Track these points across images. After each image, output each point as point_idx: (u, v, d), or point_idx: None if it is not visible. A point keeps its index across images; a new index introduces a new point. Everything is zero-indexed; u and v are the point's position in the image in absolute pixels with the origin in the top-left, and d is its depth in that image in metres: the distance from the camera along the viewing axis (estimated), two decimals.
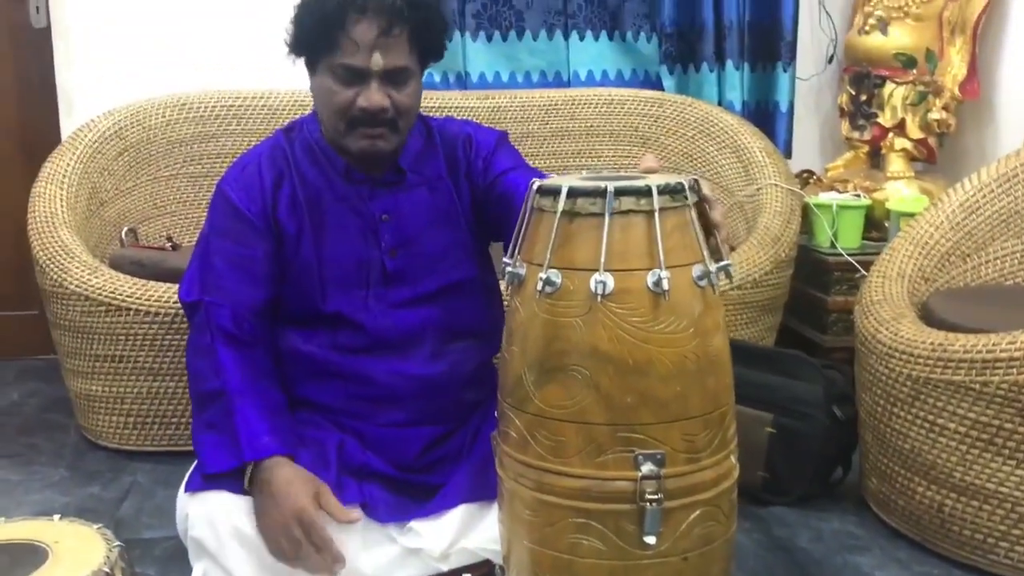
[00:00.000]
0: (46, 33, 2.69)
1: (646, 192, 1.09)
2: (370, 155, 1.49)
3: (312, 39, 1.45)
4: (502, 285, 1.54)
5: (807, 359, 1.93)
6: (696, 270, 1.11)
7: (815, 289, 2.57)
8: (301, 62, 1.52)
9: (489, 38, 2.78)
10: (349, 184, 1.54)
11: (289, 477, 1.40)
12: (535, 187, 1.13)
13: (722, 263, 1.14)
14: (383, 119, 1.45)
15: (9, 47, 2.70)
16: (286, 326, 1.58)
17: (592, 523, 1.11)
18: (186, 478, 1.50)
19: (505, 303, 1.24)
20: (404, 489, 1.54)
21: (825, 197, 2.57)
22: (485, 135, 1.62)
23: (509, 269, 1.15)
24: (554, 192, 1.10)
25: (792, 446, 1.87)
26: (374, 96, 1.43)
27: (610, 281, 1.06)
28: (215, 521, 1.42)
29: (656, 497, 1.09)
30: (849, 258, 2.44)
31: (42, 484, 1.99)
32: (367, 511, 1.48)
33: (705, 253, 1.12)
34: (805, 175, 2.83)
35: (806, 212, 2.55)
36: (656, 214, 1.08)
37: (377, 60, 1.42)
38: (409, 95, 1.48)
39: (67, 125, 2.67)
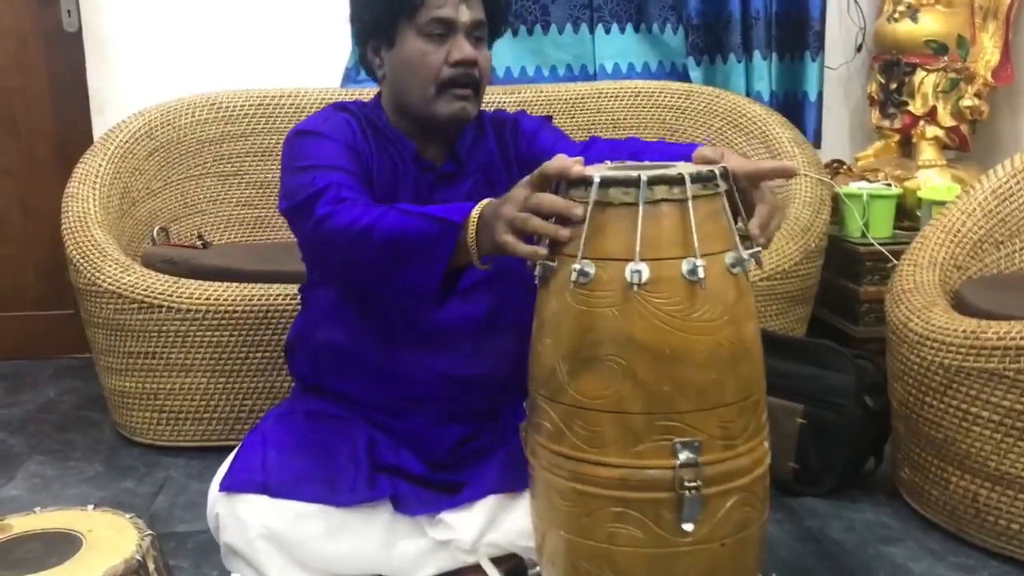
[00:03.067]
0: (77, 37, 2.72)
1: (679, 180, 1.09)
2: (460, 119, 1.51)
3: (395, 4, 1.47)
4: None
5: (838, 349, 1.92)
6: (729, 257, 1.12)
7: (846, 279, 2.54)
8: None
9: (515, 32, 2.78)
10: (418, 170, 1.56)
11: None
12: (563, 182, 1.13)
13: (753, 250, 1.15)
14: (472, 79, 1.49)
15: (42, 51, 2.74)
16: (322, 317, 1.59)
17: (630, 512, 1.11)
18: (219, 473, 1.51)
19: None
20: (434, 485, 1.54)
21: (855, 186, 2.54)
22: (529, 119, 1.66)
23: (540, 260, 1.15)
24: (585, 183, 1.10)
25: (823, 437, 1.86)
26: (466, 47, 1.47)
27: (645, 270, 1.07)
28: (245, 523, 1.43)
29: (694, 484, 1.10)
30: (880, 247, 2.41)
31: (78, 479, 2.02)
32: (397, 504, 1.48)
33: (737, 240, 1.13)
34: (835, 165, 2.81)
35: (836, 202, 2.53)
36: (689, 202, 1.09)
37: (464, 12, 1.47)
38: (487, 57, 1.54)
39: (99, 126, 2.71)
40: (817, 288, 2.43)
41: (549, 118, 1.68)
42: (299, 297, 1.69)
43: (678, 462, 1.10)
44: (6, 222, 2.82)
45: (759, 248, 1.17)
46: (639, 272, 1.06)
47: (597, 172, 1.11)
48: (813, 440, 1.86)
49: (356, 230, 1.30)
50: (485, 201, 1.24)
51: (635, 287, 1.07)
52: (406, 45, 1.49)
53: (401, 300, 1.49)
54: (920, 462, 1.74)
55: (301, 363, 1.65)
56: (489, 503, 1.49)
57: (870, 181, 2.61)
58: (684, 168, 1.13)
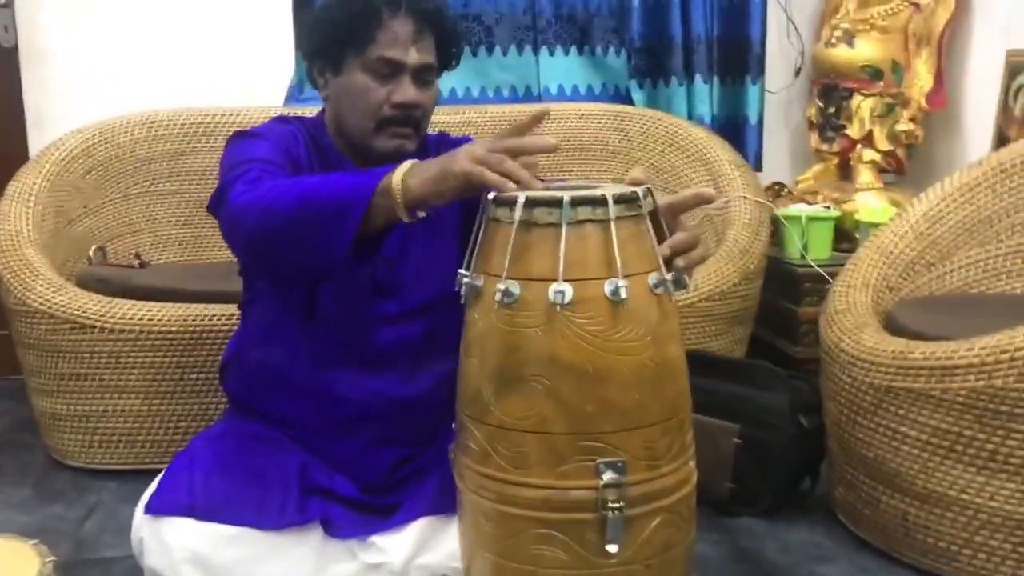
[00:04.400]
0: (13, 52, 2.68)
1: (602, 202, 1.09)
2: (397, 156, 1.48)
3: (345, 34, 1.45)
4: None
5: (773, 369, 1.94)
6: (652, 278, 1.12)
7: (786, 300, 2.57)
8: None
9: None
10: None
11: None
12: (491, 198, 1.13)
13: (676, 270, 1.15)
14: (413, 118, 1.48)
15: None
16: (258, 336, 1.57)
17: (554, 533, 1.10)
18: (144, 497, 1.48)
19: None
20: (367, 508, 1.52)
21: (795, 209, 2.58)
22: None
23: (466, 280, 1.14)
24: (510, 203, 1.10)
25: (759, 457, 1.87)
26: (410, 91, 1.45)
27: (568, 291, 1.06)
28: (170, 547, 1.39)
29: (618, 505, 1.09)
30: (819, 269, 2.45)
31: (4, 504, 1.97)
32: (328, 527, 1.46)
33: (660, 261, 1.13)
34: (776, 187, 2.85)
35: (776, 224, 2.57)
36: (612, 223, 1.09)
37: (413, 55, 1.45)
38: (432, 96, 1.52)
39: (36, 143, 2.66)
40: (757, 309, 2.45)
41: None
42: (237, 316, 1.67)
43: (601, 483, 1.09)
44: None
45: (682, 269, 1.18)
46: (562, 292, 1.06)
47: (522, 193, 1.11)
48: (749, 460, 1.88)
49: (267, 198, 1.28)
50: (412, 161, 1.22)
51: (558, 307, 1.07)
52: (351, 77, 1.48)
53: (311, 273, 1.44)
54: (853, 482, 1.76)
55: (235, 383, 1.63)
56: (421, 525, 1.48)
57: (809, 203, 2.65)
58: (608, 189, 1.13)
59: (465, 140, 1.68)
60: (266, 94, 2.68)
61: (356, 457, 1.54)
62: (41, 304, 2.03)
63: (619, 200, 1.10)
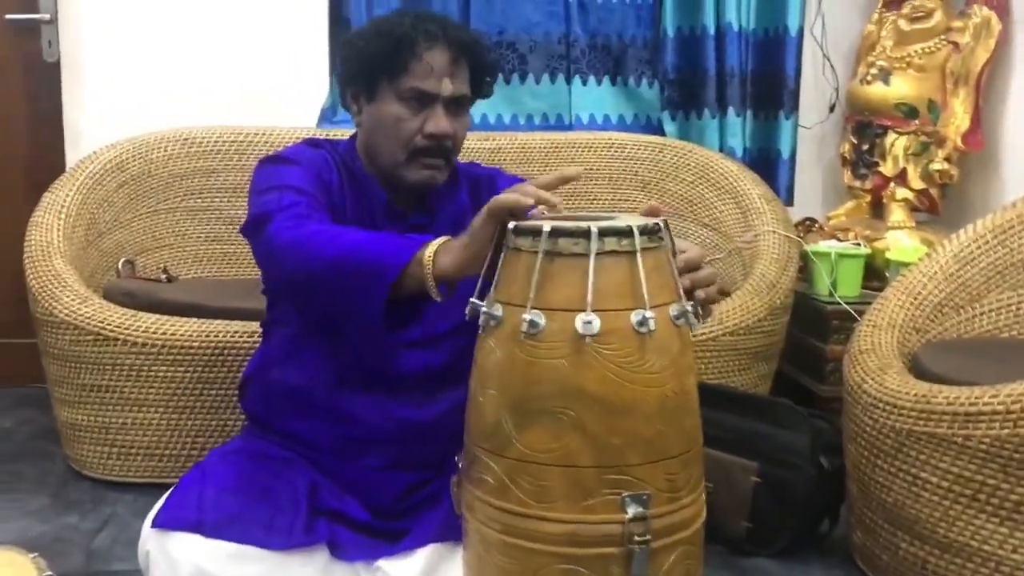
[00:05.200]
0: (56, 67, 2.73)
1: (628, 232, 1.09)
2: (428, 187, 1.50)
3: (380, 63, 1.46)
4: None
5: (794, 408, 1.91)
6: (674, 309, 1.11)
7: (813, 337, 2.54)
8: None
9: None
10: (388, 219, 1.53)
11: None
12: (512, 227, 1.11)
13: (696, 302, 1.15)
14: (444, 148, 1.48)
15: (21, 81, 2.75)
16: (279, 356, 1.57)
17: (579, 569, 1.08)
18: (153, 511, 1.48)
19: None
20: (376, 532, 1.51)
21: (825, 245, 2.55)
22: (505, 178, 1.64)
23: (484, 310, 1.13)
24: (534, 232, 1.09)
25: (777, 496, 1.84)
26: (442, 122, 1.45)
27: (597, 322, 1.05)
28: (176, 562, 1.39)
29: (644, 539, 1.08)
30: (847, 307, 2.41)
31: (22, 512, 1.98)
32: (334, 550, 1.45)
33: (681, 292, 1.13)
34: (807, 223, 2.82)
35: (806, 260, 2.54)
36: (638, 254, 1.08)
37: (447, 86, 1.45)
38: (464, 126, 1.52)
39: (73, 157, 2.70)
40: (783, 345, 2.42)
41: (523, 180, 1.67)
42: (259, 333, 1.67)
43: (627, 516, 1.08)
44: None
45: (703, 300, 1.17)
46: (591, 323, 1.05)
47: (547, 222, 1.10)
48: (767, 499, 1.84)
49: (307, 244, 1.29)
50: (445, 237, 1.23)
51: (588, 339, 1.05)
52: (384, 105, 1.48)
53: (349, 332, 1.43)
54: (872, 526, 1.72)
55: (252, 400, 1.63)
56: (429, 552, 1.46)
57: (840, 240, 2.61)
58: (631, 220, 1.13)
59: (494, 171, 1.69)
60: (299, 114, 2.71)
61: (368, 479, 1.53)
62: (67, 315, 2.05)
63: (643, 231, 1.10)
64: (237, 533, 1.41)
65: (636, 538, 1.07)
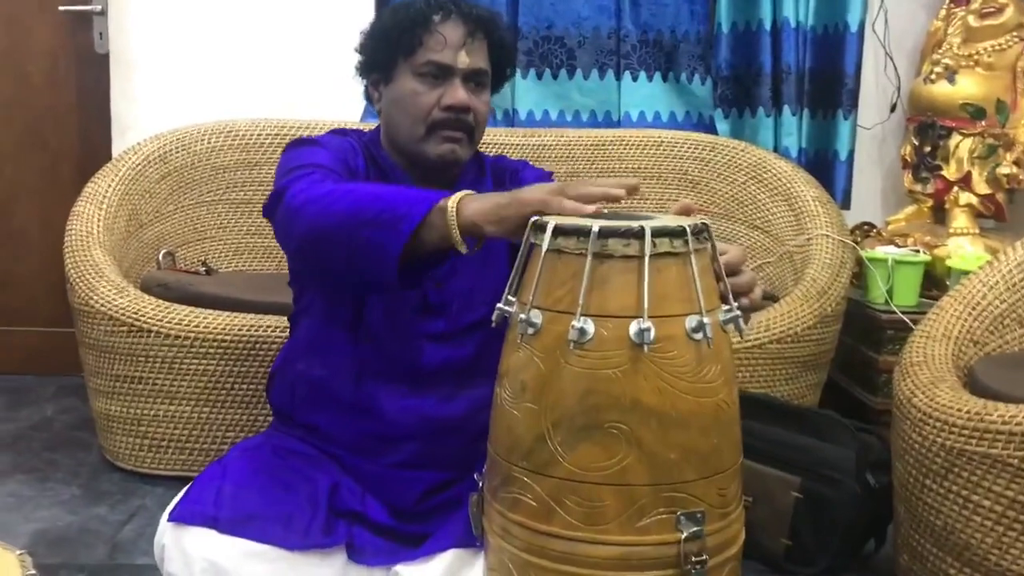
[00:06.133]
0: (107, 59, 2.75)
1: (681, 233, 1.03)
2: (449, 162, 1.47)
3: (394, 39, 1.45)
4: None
5: (840, 420, 1.82)
6: (722, 314, 1.06)
7: (866, 347, 2.43)
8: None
9: (539, 75, 2.74)
10: None
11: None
12: (552, 226, 1.03)
13: (742, 307, 1.10)
14: (464, 123, 1.45)
15: (73, 72, 2.78)
16: (304, 348, 1.54)
17: None
18: (171, 504, 1.46)
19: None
20: (396, 535, 1.47)
21: (881, 251, 2.44)
22: (531, 171, 1.61)
23: (522, 317, 1.04)
24: (580, 233, 1.02)
25: (819, 513, 1.75)
26: (460, 93, 1.43)
27: (653, 328, 0.99)
28: (190, 557, 1.37)
29: (701, 559, 1.02)
30: (903, 316, 2.30)
31: (52, 501, 1.99)
32: (352, 553, 1.41)
33: (729, 295, 1.07)
34: (864, 228, 2.71)
35: (862, 266, 2.44)
36: (692, 255, 1.03)
37: (463, 58, 1.43)
38: (485, 103, 1.49)
39: (119, 148, 2.72)
40: (834, 354, 2.32)
41: (550, 175, 1.63)
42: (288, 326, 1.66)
43: (683, 535, 1.02)
44: (25, 239, 2.85)
45: (745, 306, 1.12)
46: (648, 331, 0.98)
47: (594, 222, 1.02)
48: (808, 516, 1.76)
49: (323, 200, 1.26)
50: (469, 191, 1.19)
51: (646, 347, 0.99)
52: (401, 83, 1.47)
53: (359, 286, 1.40)
54: (919, 550, 1.63)
55: (278, 393, 1.61)
56: (449, 557, 1.41)
57: (898, 246, 2.50)
58: (678, 220, 1.07)
59: (520, 163, 1.65)
60: (342, 109, 2.68)
61: (389, 477, 1.49)
62: (102, 305, 2.05)
63: (694, 232, 1.04)
64: (253, 531, 1.38)
65: (693, 558, 1.02)
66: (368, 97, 1.59)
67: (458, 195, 1.17)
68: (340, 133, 1.58)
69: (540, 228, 1.05)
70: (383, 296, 1.47)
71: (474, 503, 1.16)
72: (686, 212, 1.20)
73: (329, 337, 1.51)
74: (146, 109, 2.73)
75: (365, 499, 1.48)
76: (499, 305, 1.10)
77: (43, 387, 2.76)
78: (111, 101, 2.73)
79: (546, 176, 1.62)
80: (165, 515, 1.44)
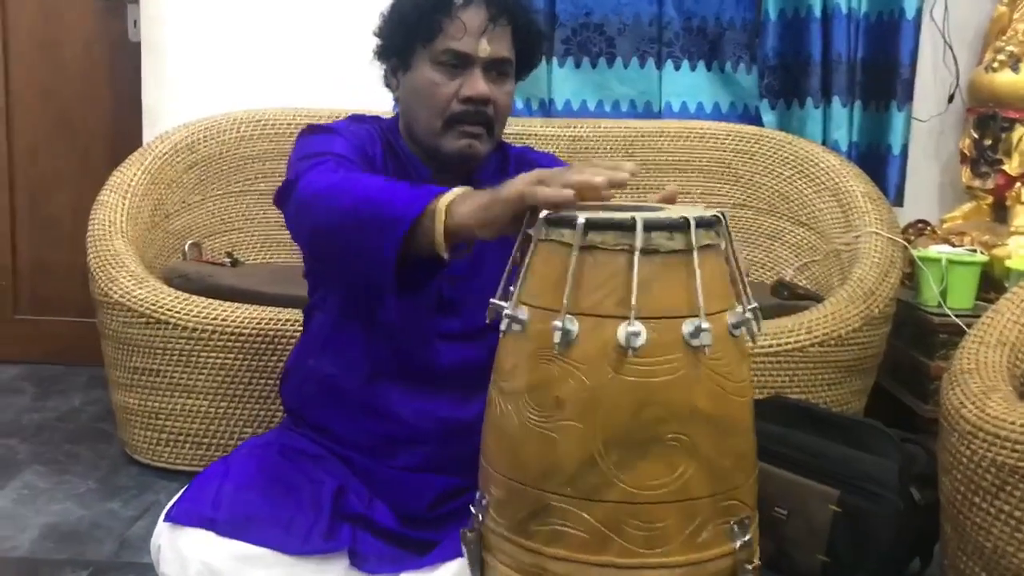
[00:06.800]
0: (138, 48, 2.73)
1: (717, 222, 0.96)
2: (466, 157, 1.41)
3: (413, 25, 1.39)
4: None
5: (883, 430, 1.70)
6: (744, 310, 0.98)
7: (917, 352, 2.30)
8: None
9: (577, 64, 2.65)
10: None
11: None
12: (582, 221, 0.92)
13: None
14: (483, 117, 1.39)
15: (106, 60, 2.77)
16: (316, 344, 1.50)
17: None
18: (169, 505, 1.41)
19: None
20: (403, 542, 1.41)
21: (935, 250, 2.31)
22: (556, 164, 1.53)
23: (557, 323, 0.92)
24: (621, 227, 0.92)
25: (859, 528, 1.64)
26: (479, 84, 1.37)
27: (710, 327, 0.91)
28: (185, 559, 1.32)
29: (752, 565, 0.97)
30: (957, 320, 2.16)
31: (67, 495, 1.96)
32: (354, 559, 1.36)
33: (747, 290, 1.00)
34: (919, 225, 2.57)
35: (914, 266, 2.31)
36: (731, 247, 0.97)
37: (484, 47, 1.37)
38: (508, 93, 1.43)
39: (149, 137, 2.69)
40: (881, 359, 2.20)
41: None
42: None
43: (736, 545, 0.96)
44: (58, 228, 2.85)
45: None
46: (706, 331, 0.90)
47: (639, 216, 0.92)
48: (847, 531, 1.64)
49: (338, 188, 1.22)
50: (465, 188, 1.12)
51: (705, 349, 0.91)
52: (419, 72, 1.41)
53: (362, 284, 1.34)
54: (967, 572, 1.50)
55: (290, 390, 1.57)
56: (456, 567, 1.35)
57: (954, 245, 2.37)
58: (684, 211, 0.99)
59: (546, 157, 1.57)
60: (375, 98, 2.61)
61: (401, 481, 1.44)
62: (121, 296, 2.01)
63: (711, 223, 0.97)
64: (251, 534, 1.33)
65: (746, 566, 0.97)
66: (387, 84, 1.53)
67: (449, 195, 1.09)
68: (358, 120, 1.52)
69: (564, 224, 0.95)
70: (395, 294, 1.41)
71: (470, 540, 1.06)
72: (671, 199, 1.11)
73: (341, 334, 1.46)
74: (177, 98, 2.70)
75: (372, 503, 1.42)
76: (507, 312, 0.99)
77: (74, 377, 2.75)
78: (142, 90, 2.71)
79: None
80: (162, 515, 1.39)
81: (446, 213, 1.08)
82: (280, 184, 1.38)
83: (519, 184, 1.02)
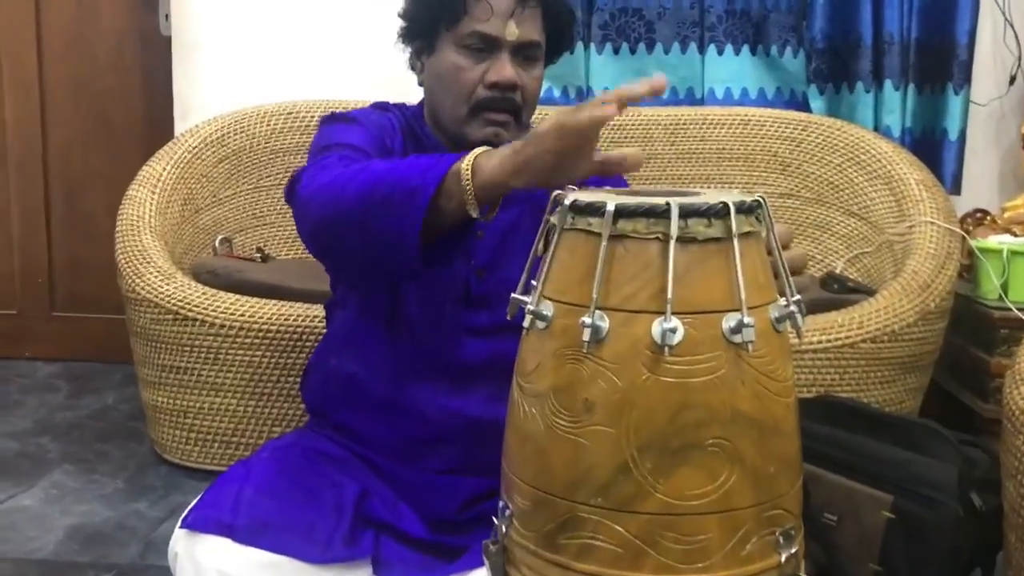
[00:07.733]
0: (169, 41, 2.70)
1: (757, 207, 0.89)
2: (493, 146, 1.34)
3: (436, 5, 1.33)
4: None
5: (940, 431, 1.60)
6: (783, 301, 0.91)
7: (977, 348, 2.19)
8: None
9: (616, 50, 2.57)
10: None
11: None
12: (611, 208, 0.85)
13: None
14: (510, 103, 1.32)
15: (138, 54, 2.76)
16: (337, 342, 1.45)
17: None
18: (188, 510, 1.36)
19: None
20: (430, 549, 1.35)
21: (995, 240, 2.19)
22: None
23: (586, 320, 0.85)
24: (651, 213, 0.85)
25: (914, 537, 1.54)
26: (506, 68, 1.30)
27: (753, 323, 0.84)
28: (201, 567, 1.27)
29: None
30: (1019, 313, 2.06)
31: (94, 494, 1.93)
32: (378, 567, 1.29)
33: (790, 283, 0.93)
34: (978, 215, 2.45)
35: (973, 257, 2.20)
36: (772, 235, 0.90)
37: (512, 29, 1.30)
38: (537, 78, 1.36)
39: (181, 131, 2.67)
40: (939, 355, 2.09)
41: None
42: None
43: (782, 558, 0.89)
44: (93, 224, 2.83)
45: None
46: (750, 327, 0.83)
47: (674, 202, 0.85)
48: (902, 539, 1.55)
49: (338, 181, 1.16)
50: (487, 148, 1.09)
51: (748, 345, 0.83)
52: (443, 55, 1.34)
53: (381, 271, 1.29)
54: None
55: (312, 389, 1.51)
56: (486, 573, 1.28)
57: (1016, 235, 2.25)
58: (723, 196, 0.90)
59: None
60: (406, 89, 2.56)
61: (428, 484, 1.37)
62: (148, 292, 1.98)
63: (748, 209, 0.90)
64: (269, 541, 1.27)
65: None
66: (411, 67, 1.47)
67: (472, 154, 1.05)
68: (381, 107, 1.47)
69: (591, 211, 0.87)
70: (419, 286, 1.35)
71: (493, 553, 0.99)
72: (636, 165, 1.04)
73: (364, 331, 1.40)
74: (208, 91, 2.68)
75: (397, 508, 1.36)
76: (530, 308, 0.93)
77: (109, 375, 2.74)
78: (173, 83, 2.68)
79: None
80: (180, 520, 1.35)
81: (472, 172, 1.05)
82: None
83: (552, 117, 0.99)
